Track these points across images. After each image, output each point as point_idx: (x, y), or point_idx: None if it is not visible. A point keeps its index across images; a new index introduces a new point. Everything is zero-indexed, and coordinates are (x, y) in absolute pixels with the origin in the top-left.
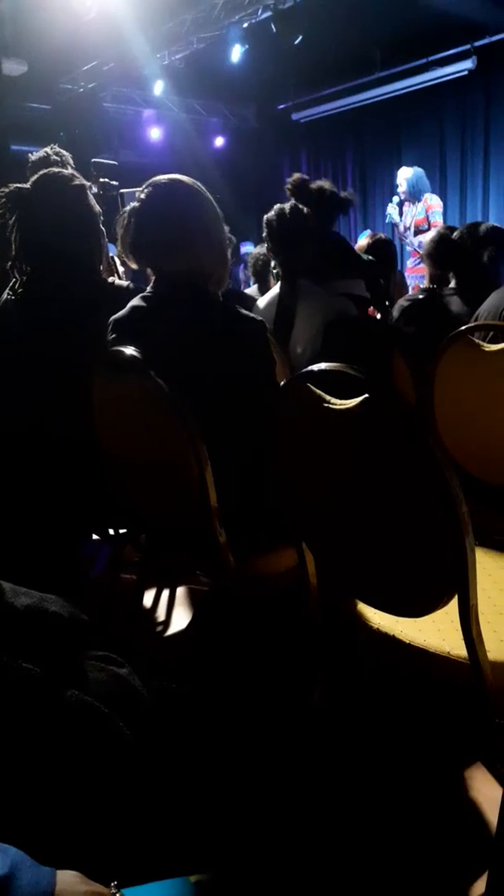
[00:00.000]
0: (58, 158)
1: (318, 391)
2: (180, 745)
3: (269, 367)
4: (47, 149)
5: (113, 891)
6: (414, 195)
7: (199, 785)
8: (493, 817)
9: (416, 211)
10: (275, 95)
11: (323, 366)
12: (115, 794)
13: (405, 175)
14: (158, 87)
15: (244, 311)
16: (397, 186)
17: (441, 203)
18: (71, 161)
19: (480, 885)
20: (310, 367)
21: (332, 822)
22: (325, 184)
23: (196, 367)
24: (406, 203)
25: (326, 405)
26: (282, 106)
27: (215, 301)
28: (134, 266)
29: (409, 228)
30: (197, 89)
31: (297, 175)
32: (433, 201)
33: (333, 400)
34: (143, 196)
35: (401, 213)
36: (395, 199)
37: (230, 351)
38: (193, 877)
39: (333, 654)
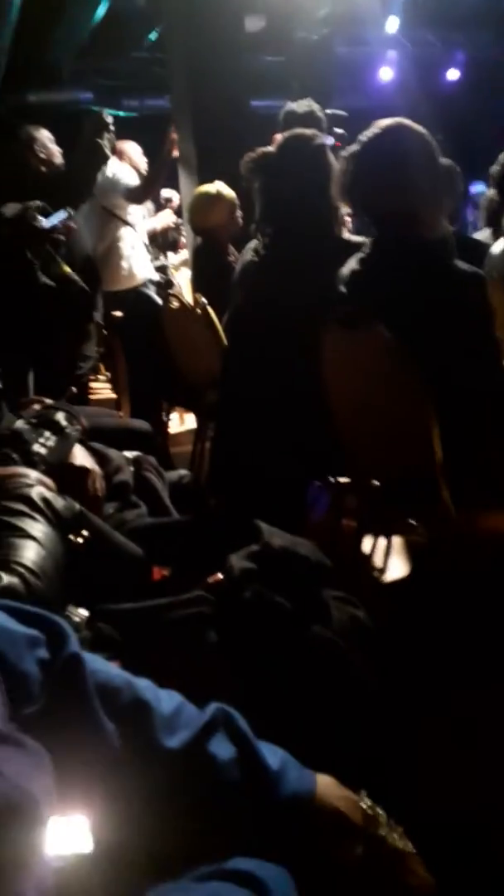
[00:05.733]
0: (320, 115)
1: None
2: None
3: (482, 322)
4: (308, 102)
5: (364, 798)
6: None
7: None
8: None
9: None
10: None
11: None
12: (351, 718)
13: None
14: (392, 24)
15: (459, 266)
16: None
17: None
18: (322, 115)
19: None
20: None
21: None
22: None
23: (412, 326)
24: None
25: None
26: None
27: (429, 258)
28: (348, 209)
29: None
30: (433, 20)
31: None
32: None
33: None
34: (363, 139)
35: None
36: None
37: (441, 310)
38: None
39: None
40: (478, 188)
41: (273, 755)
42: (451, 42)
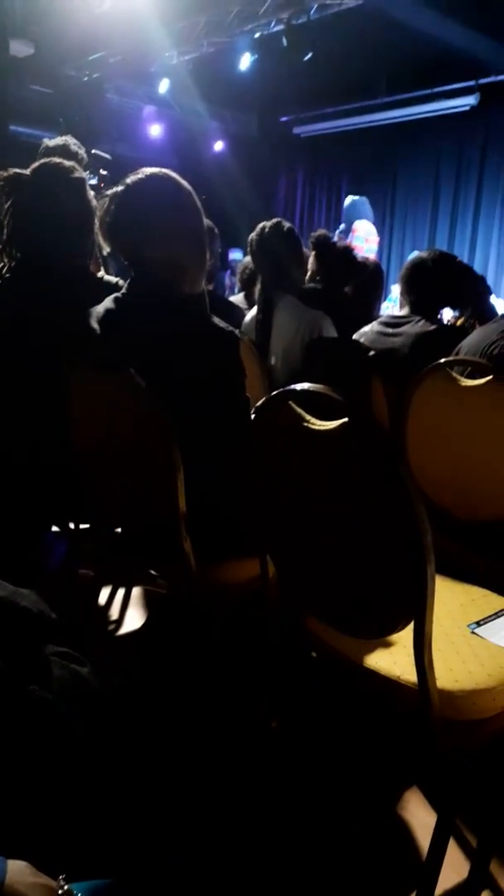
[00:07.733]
0: (77, 149)
1: (299, 410)
2: (129, 747)
3: (234, 379)
4: (67, 137)
5: (62, 883)
6: (349, 222)
7: (143, 787)
8: (425, 842)
9: (351, 237)
10: (278, 107)
11: (306, 386)
12: (65, 789)
13: (346, 203)
14: (163, 86)
15: (216, 322)
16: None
17: (370, 230)
18: (85, 155)
19: None
20: (293, 386)
21: (269, 834)
22: (349, 247)
23: (165, 373)
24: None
25: (305, 425)
26: (284, 118)
27: (189, 308)
28: (107, 249)
29: None
30: (201, 92)
31: (321, 231)
32: (359, 226)
33: (313, 420)
34: (128, 181)
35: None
36: (342, 226)
37: (196, 362)
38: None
39: (285, 668)
40: (235, 255)
41: None
42: (217, 115)
